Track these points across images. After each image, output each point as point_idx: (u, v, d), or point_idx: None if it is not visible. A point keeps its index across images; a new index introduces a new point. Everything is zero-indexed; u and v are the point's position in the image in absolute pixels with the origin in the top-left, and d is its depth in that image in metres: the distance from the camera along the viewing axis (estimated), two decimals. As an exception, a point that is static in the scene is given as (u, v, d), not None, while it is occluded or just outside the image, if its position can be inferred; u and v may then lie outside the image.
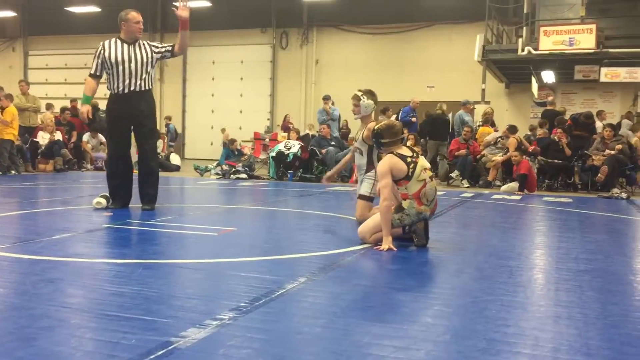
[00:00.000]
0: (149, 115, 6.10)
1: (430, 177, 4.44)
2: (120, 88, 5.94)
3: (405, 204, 4.37)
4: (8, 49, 25.09)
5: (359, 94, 5.66)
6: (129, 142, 6.17)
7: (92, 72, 6.05)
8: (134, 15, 5.96)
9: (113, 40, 6.00)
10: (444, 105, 13.71)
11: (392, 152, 4.38)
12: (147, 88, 6.02)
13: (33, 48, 24.82)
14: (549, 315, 2.77)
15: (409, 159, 4.36)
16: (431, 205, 4.44)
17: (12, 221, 5.55)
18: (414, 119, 13.68)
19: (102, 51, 5.95)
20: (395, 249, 4.15)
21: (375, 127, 4.53)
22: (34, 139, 13.00)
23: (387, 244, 4.17)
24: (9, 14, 23.63)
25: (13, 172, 11.46)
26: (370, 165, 5.55)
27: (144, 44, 6.03)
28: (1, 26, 24.70)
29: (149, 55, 5.98)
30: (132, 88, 5.93)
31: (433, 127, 13.28)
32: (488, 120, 13.34)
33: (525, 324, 2.60)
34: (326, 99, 13.56)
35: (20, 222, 5.56)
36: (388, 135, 4.43)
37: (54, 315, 2.52)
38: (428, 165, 4.54)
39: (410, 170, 4.32)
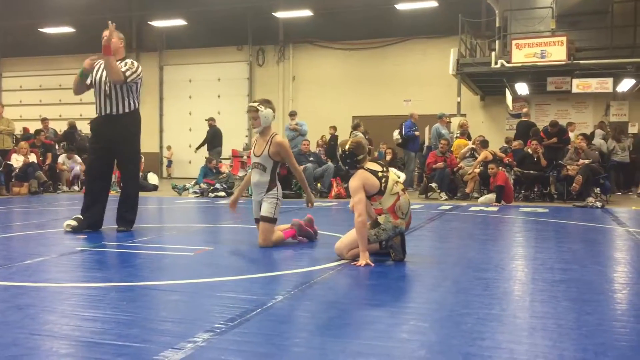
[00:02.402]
0: (127, 139, 5.96)
1: (403, 190, 4.46)
2: (98, 110, 5.90)
3: (380, 219, 4.37)
4: (-19, 71, 24.79)
5: (255, 104, 5.22)
6: (106, 164, 6.06)
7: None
8: (104, 33, 5.79)
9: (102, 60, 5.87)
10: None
11: (362, 168, 4.38)
12: (124, 111, 5.85)
13: (7, 70, 24.57)
14: (524, 327, 2.78)
15: (380, 174, 4.36)
16: (406, 218, 4.45)
17: (-17, 246, 5.43)
18: (417, 133, 13.80)
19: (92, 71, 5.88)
20: (372, 265, 4.14)
21: (346, 148, 4.41)
22: (8, 162, 12.81)
23: (364, 259, 4.16)
24: (-18, 35, 23.39)
25: (-14, 195, 11.26)
26: (273, 183, 5.20)
27: (122, 65, 5.81)
28: (-26, 48, 24.43)
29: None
30: (108, 112, 5.84)
31: None
32: (464, 133, 13.49)
33: (501, 337, 2.61)
34: (292, 115, 13.62)
35: (-8, 247, 5.45)
36: (361, 152, 4.42)
37: (23, 344, 2.46)
38: (398, 178, 4.57)
39: (383, 184, 4.32)
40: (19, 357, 2.29)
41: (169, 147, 22.41)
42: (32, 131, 15.45)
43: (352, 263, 4.22)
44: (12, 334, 2.59)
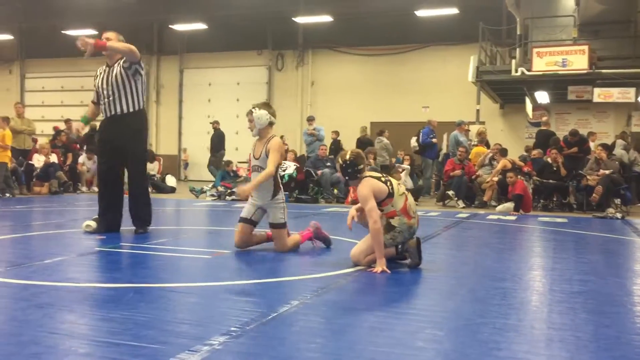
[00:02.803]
0: (132, 137, 5.99)
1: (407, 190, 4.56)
2: (103, 113, 6.03)
3: (394, 221, 4.38)
4: (5, 71, 25.18)
5: (251, 107, 5.16)
6: (115, 167, 6.08)
7: (92, 98, 6.25)
8: (103, 36, 5.94)
9: (104, 65, 6.06)
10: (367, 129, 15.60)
11: (366, 177, 4.40)
12: (129, 111, 5.90)
13: (30, 71, 24.92)
14: (541, 338, 2.76)
15: (382, 179, 4.42)
16: (416, 217, 4.50)
17: (4, 245, 5.51)
18: (434, 140, 13.76)
19: (94, 77, 6.10)
20: (388, 272, 4.13)
21: (347, 158, 4.39)
22: (29, 162, 12.99)
23: (380, 266, 4.16)
24: (6, 37, 23.77)
25: (7, 195, 11.42)
26: (277, 187, 5.06)
27: (120, 65, 5.89)
28: (-2, 49, 24.84)
29: (122, 75, 5.86)
30: (113, 112, 5.92)
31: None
32: (483, 140, 13.41)
33: (518, 347, 2.59)
34: (310, 120, 13.62)
35: (13, 246, 5.52)
36: (361, 161, 4.44)
37: (43, 342, 2.50)
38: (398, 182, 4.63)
39: (390, 187, 4.36)
40: (39, 355, 2.32)
41: (184, 150, 22.60)
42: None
43: (369, 269, 4.22)
44: (32, 332, 2.63)
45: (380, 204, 4.34)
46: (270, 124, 5.14)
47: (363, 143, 15.12)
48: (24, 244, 5.57)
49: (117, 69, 5.90)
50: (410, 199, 4.49)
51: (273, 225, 5.06)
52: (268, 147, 5.02)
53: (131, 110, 5.93)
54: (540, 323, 3.03)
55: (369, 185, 4.32)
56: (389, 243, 4.36)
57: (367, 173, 4.47)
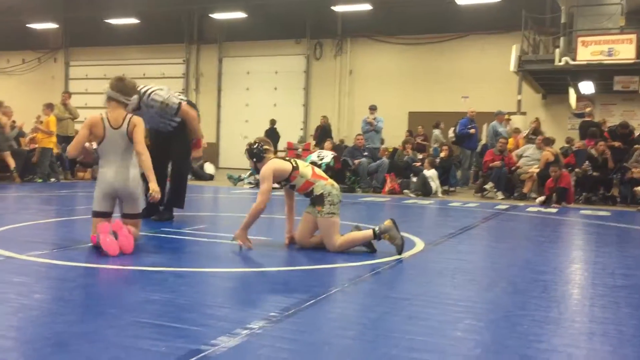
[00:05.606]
0: (176, 130, 6.07)
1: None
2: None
3: (317, 189, 4.53)
4: (50, 59, 25.81)
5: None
6: (161, 153, 6.02)
7: None
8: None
9: None
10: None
11: (272, 158, 4.63)
12: (170, 129, 5.99)
13: (74, 59, 25.48)
14: (582, 331, 2.71)
15: (286, 159, 4.73)
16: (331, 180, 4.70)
17: (50, 228, 5.69)
18: (472, 131, 13.57)
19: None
20: (250, 245, 4.39)
21: (253, 141, 4.70)
22: (73, 148, 13.30)
23: (239, 238, 4.48)
24: (51, 26, 24.33)
25: (53, 179, 11.76)
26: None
27: (143, 102, 5.68)
28: (44, 38, 25.43)
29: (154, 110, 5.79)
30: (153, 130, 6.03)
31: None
32: (537, 133, 12.96)
33: (558, 341, 2.55)
34: (371, 109, 13.47)
35: (58, 228, 5.70)
36: (266, 144, 4.70)
37: (89, 322, 2.58)
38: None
39: (294, 163, 4.60)
40: (86, 335, 2.39)
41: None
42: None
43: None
44: (78, 311, 2.72)
45: (289, 179, 4.52)
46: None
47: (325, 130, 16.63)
48: (68, 227, 5.73)
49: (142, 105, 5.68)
50: (317, 169, 4.69)
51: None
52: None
53: (171, 130, 6.01)
54: (581, 316, 2.99)
55: (271, 163, 4.54)
56: (332, 210, 4.45)
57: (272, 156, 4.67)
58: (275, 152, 15.55)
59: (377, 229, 4.42)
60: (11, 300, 2.87)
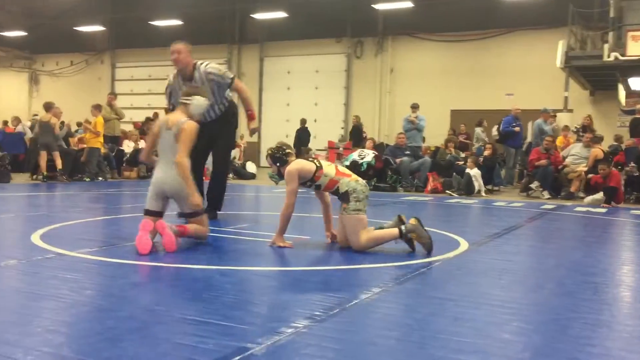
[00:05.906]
0: (222, 126, 6.07)
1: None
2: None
3: (342, 187, 4.46)
4: (97, 61, 26.51)
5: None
6: (201, 157, 6.09)
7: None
8: (171, 49, 5.70)
9: (173, 75, 5.92)
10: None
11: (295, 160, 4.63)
12: (213, 117, 5.88)
13: (120, 60, 26.11)
14: (637, 335, 2.63)
15: (310, 160, 4.66)
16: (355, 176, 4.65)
17: (99, 225, 5.84)
18: (517, 129, 13.33)
19: (168, 84, 5.98)
20: (290, 245, 4.44)
21: (274, 147, 4.72)
22: (120, 147, 13.65)
23: (277, 241, 4.51)
24: (98, 28, 25.00)
25: (100, 178, 12.07)
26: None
27: (200, 74, 5.72)
28: (91, 40, 26.14)
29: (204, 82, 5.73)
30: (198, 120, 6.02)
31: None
32: (587, 129, 12.62)
33: (611, 344, 2.48)
34: (413, 107, 13.36)
35: (107, 226, 5.84)
36: (288, 147, 4.72)
37: (138, 318, 2.63)
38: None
39: (317, 163, 4.54)
40: (136, 330, 2.44)
41: (241, 137, 21.65)
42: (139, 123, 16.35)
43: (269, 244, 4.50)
44: (128, 308, 2.78)
45: (314, 179, 4.47)
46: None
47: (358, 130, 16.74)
48: (116, 225, 5.87)
49: (201, 76, 5.74)
50: (340, 167, 4.68)
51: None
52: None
53: (216, 116, 5.93)
54: (635, 320, 2.90)
55: (295, 164, 4.52)
56: (358, 207, 4.39)
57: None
58: (308, 150, 15.69)
59: (403, 228, 4.37)
60: (64, 297, 2.95)
